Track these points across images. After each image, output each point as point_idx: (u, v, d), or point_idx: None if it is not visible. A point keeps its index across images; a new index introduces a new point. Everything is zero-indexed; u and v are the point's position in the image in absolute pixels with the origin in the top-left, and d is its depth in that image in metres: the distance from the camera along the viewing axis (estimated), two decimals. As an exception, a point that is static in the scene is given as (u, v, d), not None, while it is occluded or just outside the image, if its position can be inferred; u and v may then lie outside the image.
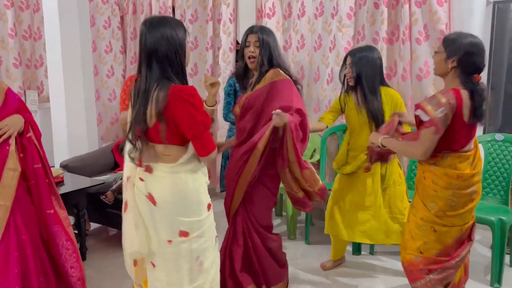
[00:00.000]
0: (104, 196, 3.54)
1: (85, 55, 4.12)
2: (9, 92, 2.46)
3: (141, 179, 2.00)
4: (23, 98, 2.53)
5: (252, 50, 2.58)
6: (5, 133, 2.33)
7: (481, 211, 3.21)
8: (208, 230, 2.06)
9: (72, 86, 4.03)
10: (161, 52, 1.87)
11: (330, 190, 3.64)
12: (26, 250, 2.39)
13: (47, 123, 4.23)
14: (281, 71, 2.60)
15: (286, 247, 3.66)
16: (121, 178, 3.54)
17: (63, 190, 3.24)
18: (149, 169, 1.98)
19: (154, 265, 2.04)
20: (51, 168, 3.27)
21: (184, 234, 1.96)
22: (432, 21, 3.54)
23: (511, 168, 3.36)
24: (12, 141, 2.38)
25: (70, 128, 4.06)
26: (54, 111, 4.07)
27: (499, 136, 3.46)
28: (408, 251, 2.43)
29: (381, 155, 2.72)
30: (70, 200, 3.28)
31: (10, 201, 2.33)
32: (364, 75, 3.00)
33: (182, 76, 1.94)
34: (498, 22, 3.84)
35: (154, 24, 1.90)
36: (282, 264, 2.85)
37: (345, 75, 3.12)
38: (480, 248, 3.74)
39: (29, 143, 2.48)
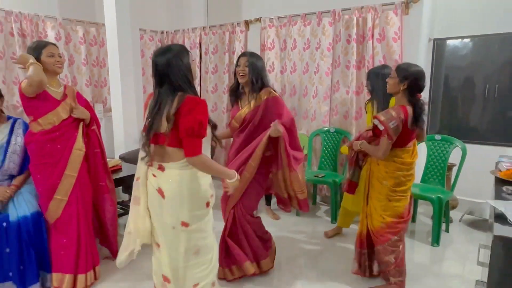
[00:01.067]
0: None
1: (136, 78, 4.16)
2: (78, 95, 2.53)
3: (154, 176, 1.82)
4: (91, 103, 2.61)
5: (242, 69, 2.39)
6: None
7: (425, 191, 3.26)
8: (206, 224, 1.87)
9: (127, 100, 4.07)
10: (168, 73, 1.71)
11: (316, 176, 3.70)
12: (83, 209, 2.45)
13: (110, 127, 4.28)
14: (271, 90, 2.45)
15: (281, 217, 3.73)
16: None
17: (120, 175, 3.24)
18: (161, 168, 1.79)
19: (158, 245, 1.88)
20: (112, 159, 3.36)
21: (185, 224, 1.79)
22: (389, 53, 3.55)
23: (447, 160, 3.38)
24: (80, 128, 2.44)
25: (125, 130, 4.11)
26: (115, 118, 4.12)
27: (437, 137, 3.48)
28: (374, 221, 2.44)
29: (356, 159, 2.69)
30: (126, 181, 3.28)
31: (76, 173, 2.39)
32: (376, 88, 2.99)
33: (191, 87, 1.75)
34: (437, 53, 3.87)
35: (161, 52, 1.75)
36: (266, 241, 2.63)
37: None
38: (423, 219, 3.76)
39: (92, 133, 2.56)
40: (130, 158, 3.85)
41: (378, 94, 2.94)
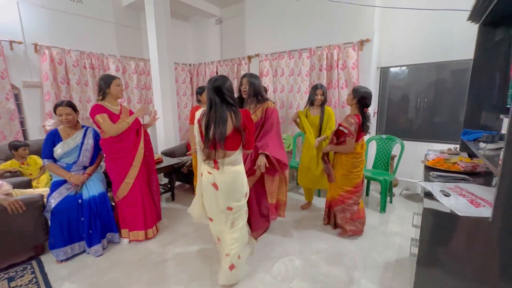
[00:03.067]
0: (183, 169, 3.53)
1: (172, 97, 4.15)
2: (130, 111, 2.49)
3: (209, 173, 1.77)
4: (141, 120, 2.59)
5: (244, 87, 2.30)
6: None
7: (375, 174, 3.24)
8: (242, 208, 1.86)
9: (166, 112, 4.07)
10: (224, 94, 1.69)
11: (298, 165, 3.67)
12: (143, 187, 2.47)
13: (154, 132, 4.28)
14: (270, 102, 2.35)
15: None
16: (191, 160, 3.56)
17: (162, 165, 3.22)
18: (217, 166, 1.75)
19: (212, 220, 1.92)
20: (156, 154, 3.35)
21: (230, 208, 1.80)
22: (349, 77, 3.52)
23: (390, 152, 3.35)
24: (142, 134, 2.48)
25: (166, 133, 4.10)
26: (157, 126, 4.12)
27: (384, 136, 3.45)
28: (333, 191, 2.52)
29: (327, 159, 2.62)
30: (166, 170, 3.28)
31: (139, 164, 2.42)
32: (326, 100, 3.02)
33: (236, 103, 1.74)
34: (383, 77, 3.83)
35: (216, 80, 1.71)
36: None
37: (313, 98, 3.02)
38: (375, 194, 3.72)
39: (147, 135, 2.60)
40: (169, 153, 3.85)
41: (324, 104, 3.02)
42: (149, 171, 2.61)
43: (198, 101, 3.18)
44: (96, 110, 2.27)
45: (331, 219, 2.73)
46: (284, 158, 2.25)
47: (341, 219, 2.58)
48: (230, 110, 1.70)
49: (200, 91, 3.17)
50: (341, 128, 2.34)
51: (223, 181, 1.74)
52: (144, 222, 2.48)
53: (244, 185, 1.82)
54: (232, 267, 1.85)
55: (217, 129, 1.66)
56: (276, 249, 2.40)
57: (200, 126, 1.76)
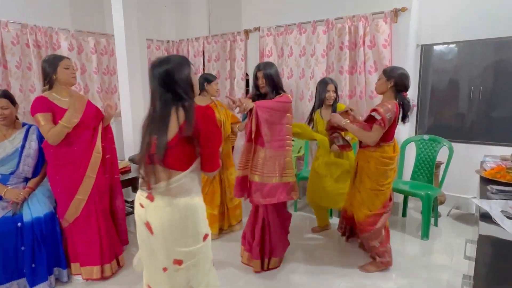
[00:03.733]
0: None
1: (144, 85, 4.14)
2: (89, 102, 2.50)
3: (142, 206, 1.50)
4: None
5: (261, 83, 2.52)
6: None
7: (414, 188, 3.25)
8: (203, 258, 1.55)
9: (135, 106, 4.05)
10: (168, 86, 1.45)
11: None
12: (100, 206, 2.46)
13: (120, 131, 4.26)
14: (288, 96, 2.52)
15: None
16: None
17: (129, 176, 3.22)
18: (150, 196, 1.47)
19: None
20: (122, 161, 3.35)
21: (178, 262, 1.48)
22: (379, 58, 3.51)
23: (435, 158, 3.36)
24: (99, 133, 2.45)
25: (134, 134, 4.09)
26: (124, 123, 4.10)
27: (426, 137, 3.45)
28: (360, 213, 2.51)
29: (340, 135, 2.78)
30: (134, 182, 3.27)
31: (95, 174, 2.39)
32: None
33: (192, 99, 1.50)
34: (425, 58, 3.83)
35: (159, 63, 1.47)
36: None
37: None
38: (414, 214, 3.73)
39: (110, 130, 2.60)
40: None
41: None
42: (111, 183, 2.60)
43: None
44: (38, 105, 2.23)
45: (345, 231, 2.92)
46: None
47: (370, 249, 2.58)
48: (178, 106, 1.44)
49: (200, 80, 3.12)
50: (373, 114, 2.33)
51: (160, 221, 1.45)
52: (100, 254, 2.43)
53: (200, 226, 1.51)
54: None
55: (156, 136, 1.43)
56: (280, 285, 2.38)
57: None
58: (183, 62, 1.50)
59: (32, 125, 2.47)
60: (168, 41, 5.36)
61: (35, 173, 2.44)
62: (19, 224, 2.22)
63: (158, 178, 1.46)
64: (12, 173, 2.33)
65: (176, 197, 1.45)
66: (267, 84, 2.50)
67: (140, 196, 1.52)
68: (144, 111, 4.20)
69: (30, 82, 4.00)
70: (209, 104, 3.10)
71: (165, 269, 1.51)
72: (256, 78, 2.56)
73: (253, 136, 2.37)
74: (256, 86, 2.59)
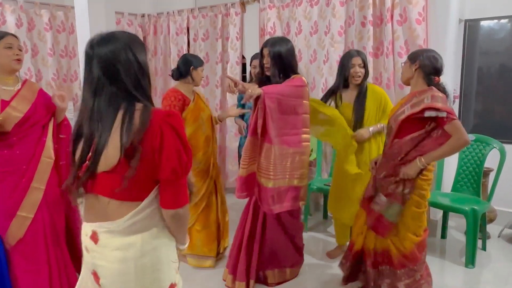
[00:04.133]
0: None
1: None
2: (41, 92, 2.45)
3: (86, 249, 1.36)
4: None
5: (266, 61, 2.57)
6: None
7: (456, 202, 3.23)
8: None
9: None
10: (113, 75, 1.25)
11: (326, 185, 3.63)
12: (50, 226, 2.40)
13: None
14: (300, 76, 2.62)
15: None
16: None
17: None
18: (94, 237, 1.31)
19: None
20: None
21: None
22: (412, 37, 3.50)
23: (482, 164, 3.34)
24: (49, 132, 2.40)
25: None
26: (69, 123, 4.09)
27: (471, 137, 3.40)
28: (406, 242, 2.40)
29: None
30: None
31: (44, 185, 2.35)
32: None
33: (146, 97, 1.30)
34: (469, 38, 3.81)
35: (101, 42, 1.27)
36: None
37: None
38: (456, 234, 3.71)
39: (66, 128, 2.53)
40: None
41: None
42: (66, 197, 2.53)
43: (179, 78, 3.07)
44: None
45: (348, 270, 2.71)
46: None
47: (406, 286, 2.46)
48: (127, 108, 1.24)
49: (185, 63, 3.03)
50: (433, 114, 2.18)
51: (109, 270, 1.31)
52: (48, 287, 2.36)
53: (164, 276, 1.37)
54: None
55: (91, 155, 1.25)
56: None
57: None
58: (135, 40, 1.33)
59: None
60: (143, 15, 5.36)
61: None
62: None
63: (98, 212, 1.31)
64: None
65: (129, 235, 1.29)
66: (273, 64, 2.53)
67: (84, 236, 1.36)
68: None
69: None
70: (193, 95, 3.06)
71: None
72: (262, 55, 2.61)
73: (259, 131, 2.41)
74: (262, 67, 2.64)
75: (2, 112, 2.20)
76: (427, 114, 2.20)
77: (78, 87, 4.74)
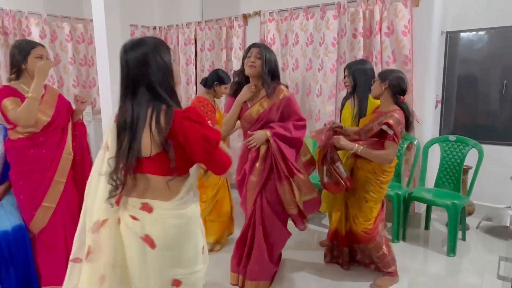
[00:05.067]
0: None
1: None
2: (60, 96, 2.49)
3: (134, 218, 1.40)
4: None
5: (252, 60, 2.29)
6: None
7: (439, 197, 3.24)
8: (198, 281, 1.53)
9: (117, 101, 4.06)
10: (144, 76, 1.35)
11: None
12: (68, 216, 2.43)
13: (100, 130, 4.26)
14: (284, 88, 2.40)
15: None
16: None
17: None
18: (147, 207, 1.40)
19: None
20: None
21: (177, 283, 1.44)
22: (398, 47, 3.52)
23: (462, 162, 3.35)
24: (69, 132, 2.45)
25: (116, 134, 4.09)
26: (104, 121, 4.08)
27: (452, 137, 3.44)
28: (360, 226, 2.60)
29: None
30: None
31: (64, 179, 2.40)
32: (359, 84, 2.97)
33: (175, 98, 1.41)
34: (450, 47, 3.84)
35: (132, 46, 1.37)
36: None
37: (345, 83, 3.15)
38: (438, 226, 3.73)
39: (81, 127, 2.57)
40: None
41: (360, 89, 2.97)
42: (85, 185, 2.56)
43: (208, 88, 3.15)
44: (5, 92, 2.20)
45: (339, 257, 2.89)
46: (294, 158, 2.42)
47: (378, 259, 2.64)
48: (154, 108, 1.34)
49: (212, 77, 3.13)
50: (385, 128, 2.36)
51: (164, 233, 1.40)
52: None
53: (199, 237, 1.51)
54: None
55: (129, 143, 1.35)
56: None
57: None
58: (161, 44, 1.41)
59: (-2, 124, 2.46)
60: (154, 27, 5.37)
61: (1, 180, 2.41)
62: (-17, 239, 2.20)
63: (144, 188, 1.42)
64: (-26, 179, 2.32)
65: (180, 209, 1.43)
66: (263, 65, 2.29)
67: (131, 208, 1.43)
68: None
69: (-5, 75, 3.99)
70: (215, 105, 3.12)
71: None
72: (247, 55, 2.33)
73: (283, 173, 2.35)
74: (243, 67, 2.36)
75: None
76: (383, 127, 2.37)
77: (96, 92, 4.76)
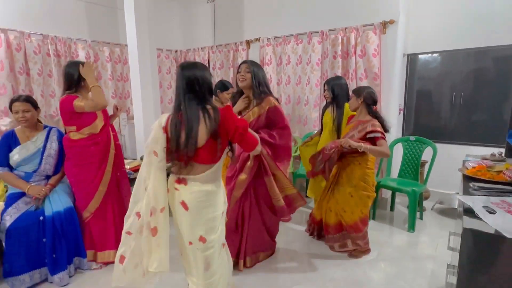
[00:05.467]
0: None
1: (154, 90, 4.14)
2: (104, 109, 2.51)
3: (176, 189, 1.59)
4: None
5: (242, 74, 2.23)
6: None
7: (401, 185, 3.24)
8: (218, 240, 1.65)
9: (147, 109, 4.05)
10: (197, 87, 1.54)
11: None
12: (113, 194, 2.51)
13: (132, 132, 4.26)
14: (271, 99, 2.27)
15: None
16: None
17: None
18: (184, 181, 1.57)
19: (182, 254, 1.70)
20: (135, 160, 3.35)
21: (202, 239, 1.58)
22: (370, 67, 3.52)
23: (420, 157, 3.36)
24: (110, 132, 2.51)
25: (146, 135, 4.09)
26: (137, 125, 4.09)
27: (412, 138, 3.45)
28: (354, 215, 2.52)
29: (330, 158, 2.54)
30: None
31: (111, 168, 2.49)
32: (339, 95, 2.97)
33: (212, 101, 1.60)
34: (411, 66, 3.84)
35: (191, 67, 1.57)
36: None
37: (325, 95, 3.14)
38: (401, 208, 3.73)
39: (112, 128, 2.61)
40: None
41: (338, 99, 2.99)
42: (118, 173, 2.58)
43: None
44: (71, 98, 2.24)
45: (316, 234, 2.89)
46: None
47: (354, 245, 2.63)
48: (204, 109, 1.53)
49: (216, 86, 2.97)
50: (373, 135, 2.36)
51: (193, 200, 1.56)
52: (115, 238, 2.43)
53: (220, 206, 1.64)
54: None
55: (187, 137, 1.50)
56: (280, 277, 2.38)
57: (166, 134, 1.57)
58: (206, 69, 1.62)
59: (53, 127, 2.47)
60: (176, 51, 5.37)
61: (55, 171, 2.43)
62: (41, 218, 2.22)
63: (188, 170, 1.57)
64: (34, 171, 2.32)
65: (204, 183, 1.58)
66: (251, 78, 2.21)
67: (173, 183, 1.61)
68: (154, 115, 4.23)
69: (50, 88, 4.00)
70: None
71: (190, 243, 1.60)
72: (238, 71, 2.27)
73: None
74: (237, 82, 2.30)
75: (97, 119, 2.38)
76: (370, 135, 2.37)
77: (130, 102, 4.77)
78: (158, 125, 1.59)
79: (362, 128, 2.41)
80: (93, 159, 2.38)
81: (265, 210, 2.40)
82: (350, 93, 2.64)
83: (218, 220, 1.63)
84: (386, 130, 2.43)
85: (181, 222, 1.61)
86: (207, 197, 1.58)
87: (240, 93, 2.39)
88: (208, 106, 1.54)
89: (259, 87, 2.25)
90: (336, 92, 2.98)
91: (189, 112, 1.51)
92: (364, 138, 2.39)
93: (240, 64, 2.30)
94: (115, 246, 2.43)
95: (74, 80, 2.30)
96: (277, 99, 2.36)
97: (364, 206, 2.50)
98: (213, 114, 1.51)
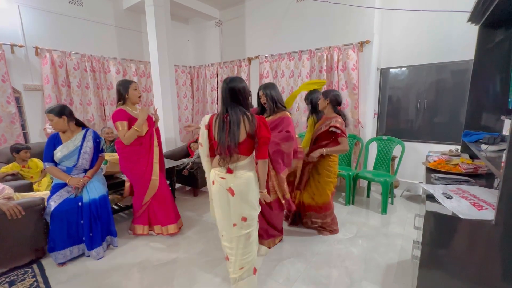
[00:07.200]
0: (183, 171, 3.53)
1: (173, 99, 4.15)
2: (149, 116, 2.56)
3: (223, 178, 1.63)
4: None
5: (262, 100, 2.29)
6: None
7: (376, 176, 3.23)
8: (255, 219, 1.71)
9: (167, 115, 4.06)
10: (239, 96, 1.59)
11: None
12: (165, 182, 2.59)
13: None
14: (285, 112, 2.26)
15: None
16: (191, 161, 3.57)
17: (166, 167, 3.21)
18: (229, 170, 1.62)
19: (222, 236, 1.75)
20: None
21: (244, 219, 1.64)
22: (349, 79, 3.51)
23: (391, 153, 3.35)
24: (154, 133, 2.56)
25: (166, 136, 4.09)
26: (160, 127, 4.12)
27: (384, 137, 3.44)
28: (322, 197, 2.55)
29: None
30: (168, 172, 3.22)
31: (157, 160, 2.54)
32: (317, 106, 2.88)
33: (249, 108, 1.66)
34: (383, 79, 3.82)
35: (235, 81, 1.60)
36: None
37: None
38: (375, 195, 3.70)
39: (157, 130, 2.63)
40: (169, 155, 3.85)
41: (317, 107, 2.87)
42: (162, 165, 2.66)
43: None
44: (119, 115, 2.35)
45: (299, 219, 2.76)
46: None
47: (325, 223, 2.62)
48: (244, 114, 1.60)
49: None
50: (333, 129, 2.37)
51: (238, 186, 1.61)
52: (174, 215, 2.59)
53: (256, 193, 1.69)
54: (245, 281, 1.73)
55: (231, 134, 1.56)
56: (275, 252, 2.38)
57: (210, 131, 1.66)
58: (244, 81, 1.65)
59: (89, 129, 2.47)
60: (190, 66, 5.36)
61: (91, 165, 2.43)
62: (79, 203, 2.22)
63: (232, 160, 1.61)
64: (74, 165, 2.33)
65: (245, 171, 1.63)
66: (268, 100, 2.27)
67: (219, 173, 1.65)
68: (173, 120, 4.24)
69: (87, 98, 4.00)
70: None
71: (234, 225, 1.65)
72: (259, 96, 2.35)
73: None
74: (259, 103, 2.36)
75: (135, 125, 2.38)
76: (332, 129, 2.38)
77: (153, 109, 4.77)
78: (202, 123, 1.70)
79: (328, 123, 2.43)
80: (140, 156, 2.44)
81: (264, 206, 2.33)
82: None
83: (257, 200, 1.69)
84: (346, 124, 2.45)
85: (227, 206, 1.65)
86: (249, 181, 1.63)
87: (262, 108, 2.39)
88: (248, 113, 1.60)
89: (275, 104, 2.27)
90: (314, 103, 2.91)
91: (234, 116, 1.57)
92: (327, 130, 2.42)
93: (258, 90, 2.33)
94: (175, 220, 2.59)
95: (121, 95, 2.40)
96: (290, 113, 2.34)
97: (329, 190, 2.53)
98: (252, 120, 1.59)
